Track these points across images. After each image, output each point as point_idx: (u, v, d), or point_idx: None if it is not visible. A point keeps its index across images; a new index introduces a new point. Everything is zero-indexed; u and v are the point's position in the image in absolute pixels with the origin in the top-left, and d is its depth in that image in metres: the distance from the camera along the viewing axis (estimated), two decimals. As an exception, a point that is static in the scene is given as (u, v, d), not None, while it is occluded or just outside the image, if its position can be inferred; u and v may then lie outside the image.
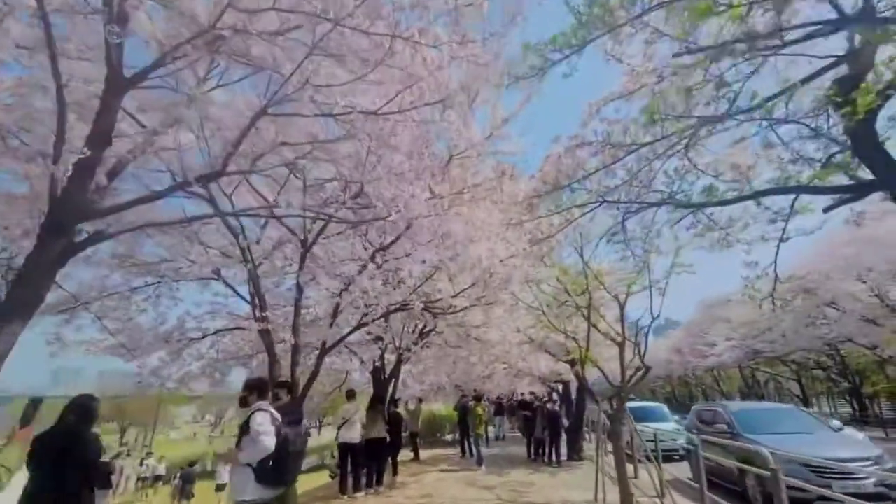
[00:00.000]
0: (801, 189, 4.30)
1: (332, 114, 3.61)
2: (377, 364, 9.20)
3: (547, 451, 11.51)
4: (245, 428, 3.17)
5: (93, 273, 6.06)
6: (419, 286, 5.45)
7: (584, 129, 4.23)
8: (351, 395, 8.82)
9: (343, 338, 5.77)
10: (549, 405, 11.71)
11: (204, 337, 6.60)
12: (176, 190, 3.85)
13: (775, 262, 5.16)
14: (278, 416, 3.34)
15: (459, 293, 5.48)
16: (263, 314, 5.91)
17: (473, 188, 4.54)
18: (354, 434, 8.45)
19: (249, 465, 3.12)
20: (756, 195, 4.42)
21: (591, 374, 16.82)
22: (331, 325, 5.55)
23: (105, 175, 3.58)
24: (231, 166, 3.83)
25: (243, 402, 3.44)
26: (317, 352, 6.88)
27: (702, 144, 4.27)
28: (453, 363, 20.51)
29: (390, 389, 10.09)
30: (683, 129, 3.91)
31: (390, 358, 10.16)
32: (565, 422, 14.38)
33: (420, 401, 13.58)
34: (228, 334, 6.93)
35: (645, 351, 6.14)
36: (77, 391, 3.97)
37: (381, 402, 9.08)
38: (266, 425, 3.12)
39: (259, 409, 3.26)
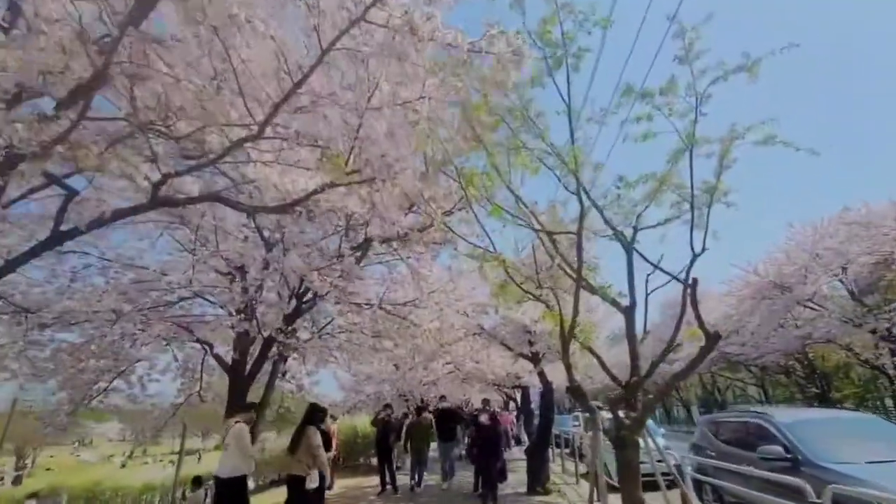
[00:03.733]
0: None
1: None
2: (235, 357, 5.78)
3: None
4: None
5: None
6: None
7: None
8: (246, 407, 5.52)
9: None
10: (482, 417, 8.02)
11: None
12: None
13: None
14: None
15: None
16: None
17: None
18: (225, 465, 5.12)
19: None
20: None
21: (558, 375, 13.87)
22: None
23: None
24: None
25: None
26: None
27: None
28: (394, 366, 17.16)
29: (266, 395, 6.68)
30: None
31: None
32: (524, 438, 11.34)
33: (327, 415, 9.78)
34: None
35: (694, 302, 3.16)
36: None
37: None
38: None
39: None
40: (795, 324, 19.77)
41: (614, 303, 3.97)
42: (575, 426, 15.02)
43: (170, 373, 7.11)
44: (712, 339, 3.06)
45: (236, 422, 5.45)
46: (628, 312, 3.84)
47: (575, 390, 3.70)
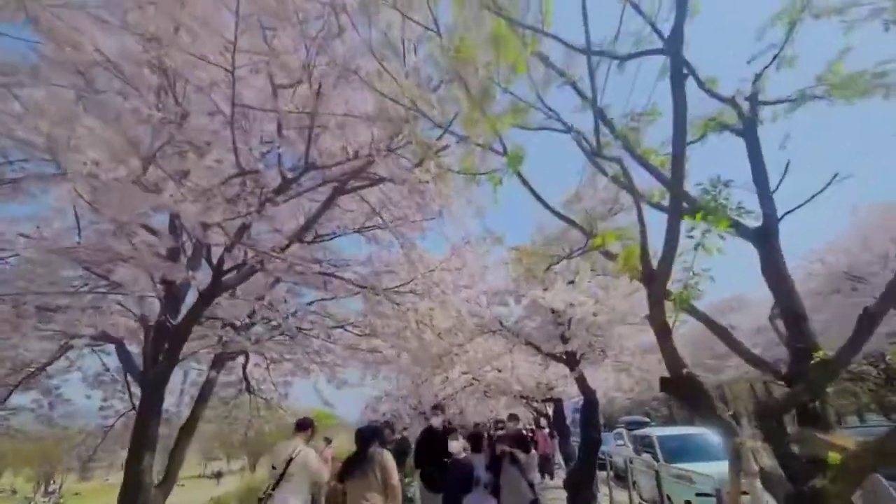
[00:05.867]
0: None
1: None
2: (142, 358, 4.09)
3: None
4: None
5: None
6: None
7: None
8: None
9: None
10: (453, 443, 4.88)
11: None
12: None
13: None
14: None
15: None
16: None
17: None
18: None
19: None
20: None
21: (601, 382, 11.63)
22: None
23: None
24: None
25: None
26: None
27: None
28: (412, 381, 15.44)
29: (196, 410, 4.97)
30: None
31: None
32: (560, 462, 9.28)
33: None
34: None
35: None
36: None
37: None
38: None
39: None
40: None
41: (734, 225, 2.10)
42: (619, 445, 12.67)
43: (97, 385, 5.52)
44: None
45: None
46: (765, 238, 1.97)
47: (684, 384, 1.77)
